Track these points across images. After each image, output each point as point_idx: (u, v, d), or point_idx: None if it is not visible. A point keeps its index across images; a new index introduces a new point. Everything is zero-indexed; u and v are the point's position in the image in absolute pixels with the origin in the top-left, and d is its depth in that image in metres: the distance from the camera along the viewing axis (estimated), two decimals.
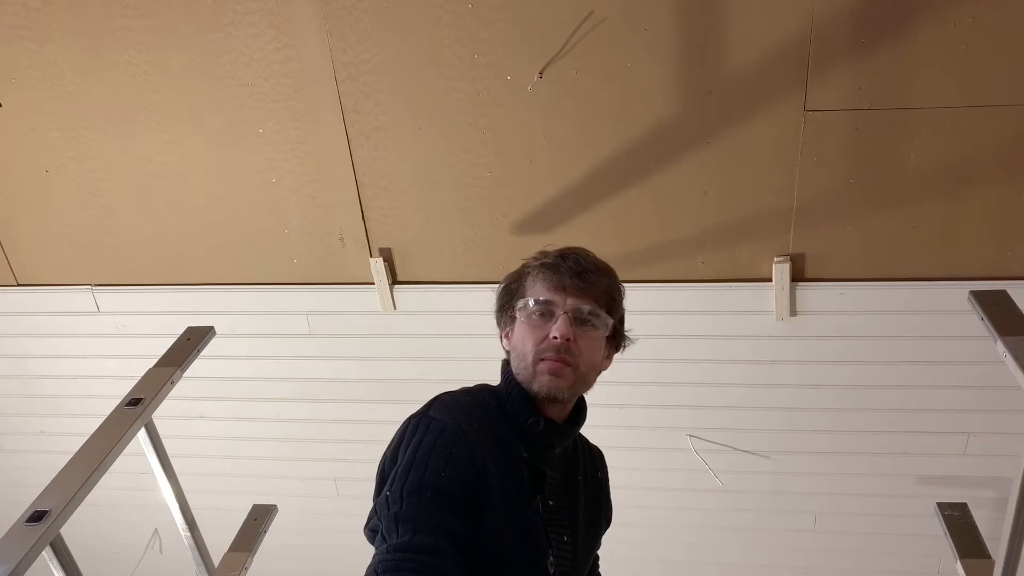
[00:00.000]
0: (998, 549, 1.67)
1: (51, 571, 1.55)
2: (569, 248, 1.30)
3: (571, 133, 2.26)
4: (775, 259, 2.34)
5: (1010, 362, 1.56)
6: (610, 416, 2.65)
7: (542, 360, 1.21)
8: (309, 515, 3.08)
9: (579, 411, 1.31)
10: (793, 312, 2.40)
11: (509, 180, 2.36)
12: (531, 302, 1.23)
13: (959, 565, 1.94)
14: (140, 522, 3.34)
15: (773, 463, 2.72)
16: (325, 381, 2.81)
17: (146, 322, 2.77)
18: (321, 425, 2.92)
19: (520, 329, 1.25)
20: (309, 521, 3.08)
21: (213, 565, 2.08)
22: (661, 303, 2.45)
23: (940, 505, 2.10)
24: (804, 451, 2.68)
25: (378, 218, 2.48)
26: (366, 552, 1.18)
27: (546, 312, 1.22)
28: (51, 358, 2.96)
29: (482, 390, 1.29)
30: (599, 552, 1.47)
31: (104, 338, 2.84)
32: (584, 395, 1.31)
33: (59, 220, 2.64)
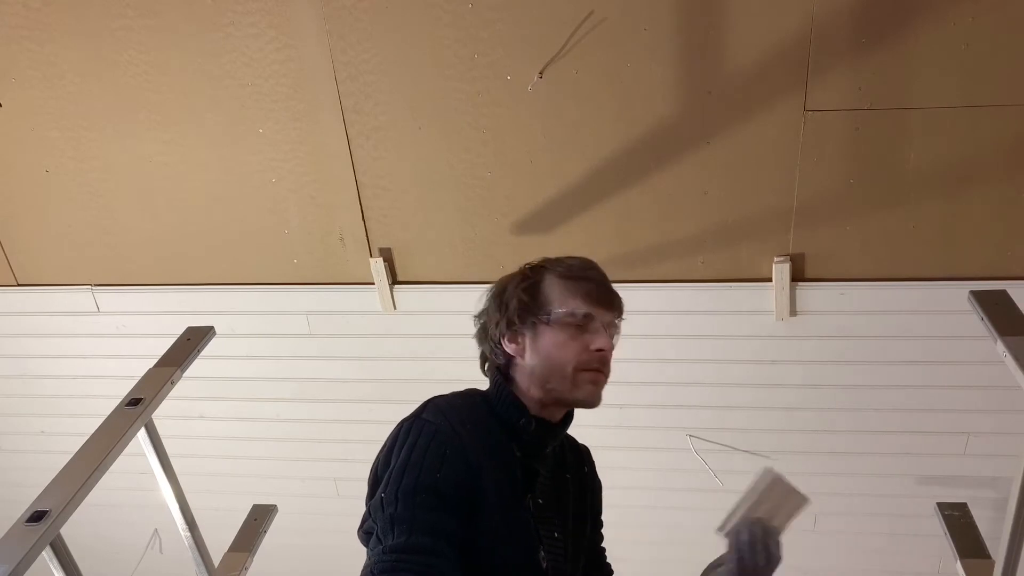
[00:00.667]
0: (998, 549, 1.67)
1: (51, 571, 1.55)
2: (579, 259, 1.34)
3: (571, 133, 2.26)
4: (775, 259, 2.34)
5: (1010, 362, 1.56)
6: (610, 416, 2.65)
7: (585, 371, 1.25)
8: (309, 515, 3.08)
9: (569, 411, 1.34)
10: (793, 312, 2.40)
11: (509, 180, 2.36)
12: (573, 313, 1.26)
13: (959, 565, 1.95)
14: (140, 522, 3.34)
15: (773, 463, 2.71)
16: (325, 381, 2.81)
17: (146, 322, 2.77)
18: (321, 425, 2.92)
19: (555, 336, 1.26)
20: (309, 521, 3.08)
21: (213, 565, 2.08)
22: (661, 303, 2.45)
23: (940, 505, 2.11)
24: (804, 451, 2.68)
25: (378, 218, 2.48)
26: (365, 553, 1.18)
27: (584, 324, 1.26)
28: (51, 358, 2.96)
29: (473, 393, 1.31)
30: (603, 545, 1.49)
31: (104, 338, 2.84)
32: None
33: (59, 220, 2.64)
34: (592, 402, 1.27)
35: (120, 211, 2.59)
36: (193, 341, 1.99)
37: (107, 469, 1.63)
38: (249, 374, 2.84)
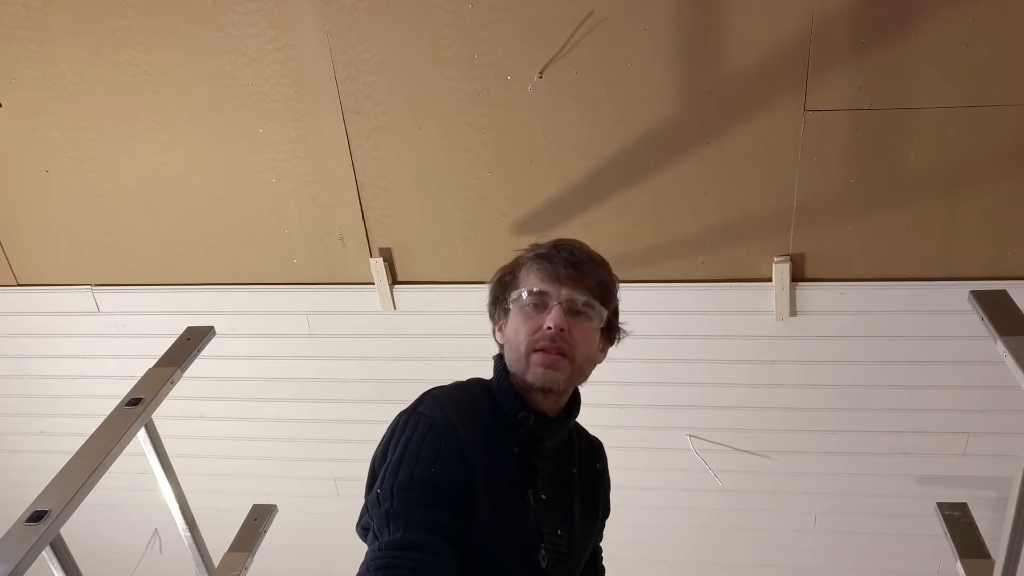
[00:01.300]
0: (998, 549, 1.67)
1: (51, 571, 1.55)
2: (563, 240, 1.30)
3: (571, 133, 2.26)
4: (775, 259, 2.34)
5: (1010, 362, 1.56)
6: (610, 416, 2.65)
7: (536, 351, 1.20)
8: (309, 515, 3.08)
9: (573, 403, 1.30)
10: (793, 312, 2.40)
11: (509, 180, 2.36)
12: (524, 293, 1.23)
13: (959, 565, 1.94)
14: (140, 522, 3.34)
15: (773, 463, 2.72)
16: (325, 381, 2.81)
17: (146, 322, 2.77)
18: (321, 425, 2.92)
19: (513, 320, 1.25)
20: (309, 521, 3.08)
21: (213, 565, 2.08)
22: (661, 303, 2.45)
23: (940, 505, 2.10)
24: (804, 451, 2.68)
25: (378, 218, 2.48)
26: (364, 552, 1.18)
27: (540, 303, 1.22)
28: (51, 358, 2.96)
29: (474, 384, 1.28)
30: (601, 544, 1.48)
31: (104, 338, 2.84)
32: (579, 388, 1.31)
33: (59, 220, 2.64)
34: (546, 385, 1.20)
35: (120, 211, 2.59)
36: (193, 341, 1.98)
37: (107, 469, 1.63)
38: (249, 374, 2.84)
